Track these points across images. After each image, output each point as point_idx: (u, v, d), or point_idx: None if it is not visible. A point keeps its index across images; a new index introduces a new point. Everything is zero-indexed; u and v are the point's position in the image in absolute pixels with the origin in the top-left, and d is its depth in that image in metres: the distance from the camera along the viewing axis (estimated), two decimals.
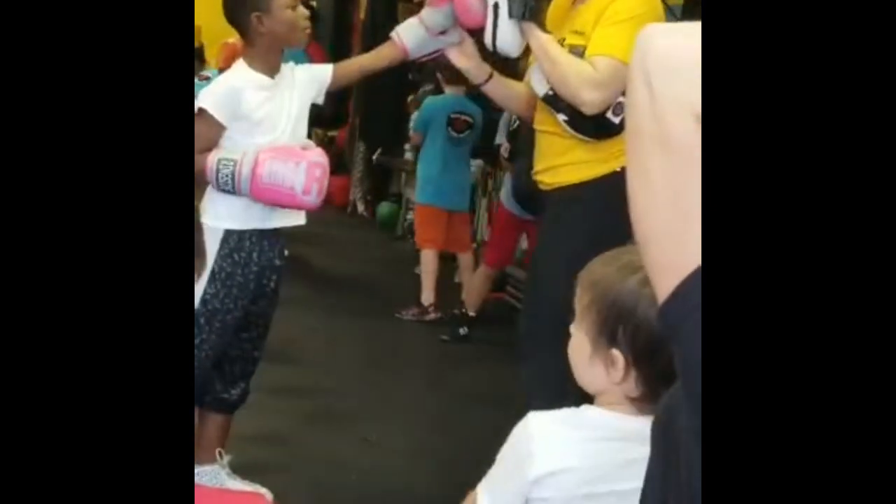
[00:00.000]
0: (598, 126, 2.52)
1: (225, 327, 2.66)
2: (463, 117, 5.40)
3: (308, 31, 2.75)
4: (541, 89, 2.58)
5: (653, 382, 1.31)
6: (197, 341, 2.61)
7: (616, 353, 1.34)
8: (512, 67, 3.53)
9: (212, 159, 2.55)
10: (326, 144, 8.98)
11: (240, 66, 2.67)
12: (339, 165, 8.83)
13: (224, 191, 2.55)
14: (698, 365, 0.76)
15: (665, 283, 0.78)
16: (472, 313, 5.09)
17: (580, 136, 2.56)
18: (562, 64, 2.49)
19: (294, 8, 2.65)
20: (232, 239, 2.65)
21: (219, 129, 2.58)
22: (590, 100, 2.45)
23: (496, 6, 2.52)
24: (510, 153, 5.14)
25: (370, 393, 4.13)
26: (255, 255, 2.68)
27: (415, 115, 6.05)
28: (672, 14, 6.12)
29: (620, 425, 1.36)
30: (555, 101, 2.55)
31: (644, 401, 1.35)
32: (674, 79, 0.77)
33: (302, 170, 2.54)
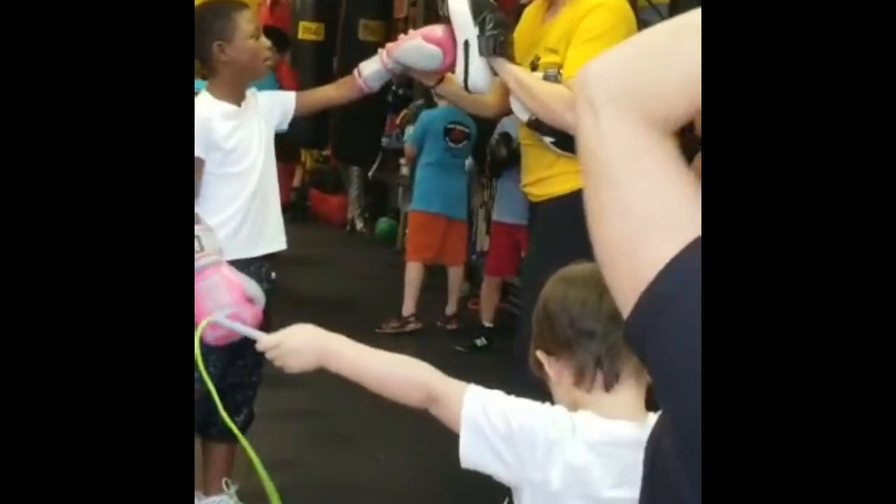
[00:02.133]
0: None
1: (221, 357, 2.64)
2: (459, 128, 5.44)
3: (269, 62, 2.74)
4: (523, 115, 2.57)
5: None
6: (196, 375, 2.58)
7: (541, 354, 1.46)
8: None
9: None
10: (322, 164, 9.00)
11: (204, 96, 2.64)
12: (335, 185, 8.83)
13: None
14: (667, 377, 0.75)
15: (627, 300, 0.79)
16: (487, 324, 5.16)
17: (568, 154, 2.55)
18: (540, 92, 2.48)
19: (257, 38, 2.64)
20: None
21: (199, 162, 2.56)
22: (575, 121, 2.42)
23: (466, 45, 2.52)
24: (489, 168, 5.15)
25: (377, 411, 4.09)
26: None
27: (409, 130, 6.07)
28: (658, 13, 6.12)
29: (614, 430, 1.39)
30: (539, 126, 2.55)
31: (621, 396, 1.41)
32: (619, 96, 0.80)
33: (228, 312, 2.34)
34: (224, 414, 1.81)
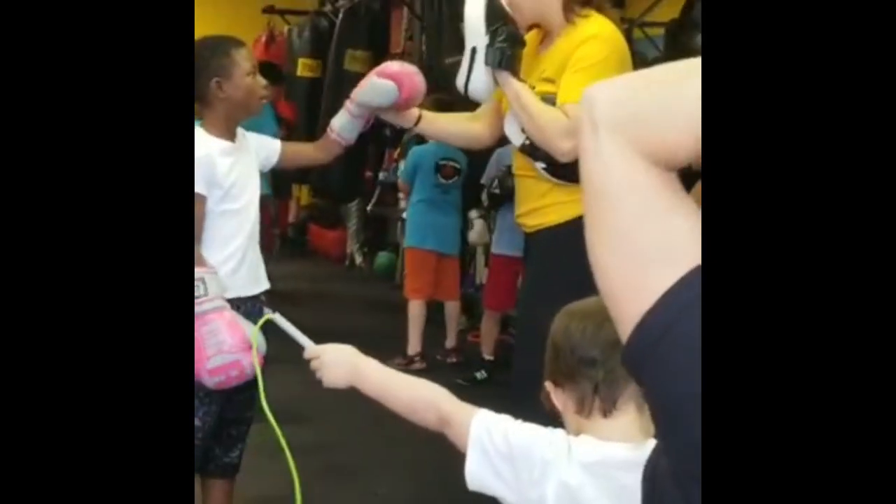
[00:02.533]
0: (576, 171, 2.51)
1: (222, 394, 2.63)
2: (451, 164, 5.44)
3: (265, 100, 2.75)
4: (517, 139, 2.58)
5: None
6: (200, 413, 2.58)
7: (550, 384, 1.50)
8: None
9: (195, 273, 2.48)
10: (319, 199, 9.03)
11: (199, 133, 2.62)
12: (334, 219, 8.85)
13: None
14: (664, 403, 0.75)
15: (626, 326, 0.78)
16: (487, 357, 5.16)
17: (560, 182, 2.55)
18: (537, 113, 2.49)
19: (254, 75, 2.66)
20: None
21: (201, 200, 2.54)
22: (566, 148, 2.43)
23: (474, 51, 2.53)
24: (494, 200, 5.17)
25: (377, 446, 4.09)
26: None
27: (402, 165, 6.08)
28: (654, 45, 6.17)
29: (609, 451, 1.42)
30: (532, 151, 2.55)
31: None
32: (622, 124, 0.79)
33: (230, 359, 2.44)
34: (264, 400, 1.84)
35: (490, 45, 2.50)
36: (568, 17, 2.59)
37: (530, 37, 2.79)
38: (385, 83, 2.65)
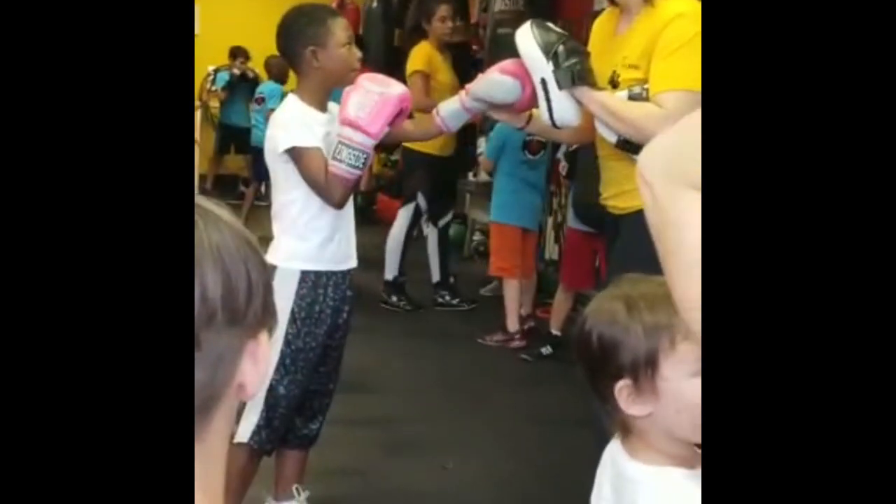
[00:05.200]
0: None
1: (308, 364, 2.65)
2: (537, 138, 5.33)
3: (357, 71, 2.73)
4: (611, 137, 2.50)
5: None
6: (285, 382, 2.59)
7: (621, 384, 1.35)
8: None
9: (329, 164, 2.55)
10: (389, 168, 9.01)
11: (293, 100, 2.65)
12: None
13: (349, 164, 2.53)
14: None
15: None
16: (556, 332, 5.07)
17: None
18: (628, 115, 2.42)
19: (349, 47, 2.64)
20: (309, 278, 2.63)
21: (321, 153, 2.56)
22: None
23: (543, 82, 2.47)
24: (568, 171, 5.12)
25: (448, 420, 4.08)
26: (329, 290, 2.67)
27: (483, 141, 5.98)
28: None
29: None
30: (628, 145, 2.47)
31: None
32: (665, 167, 0.91)
33: (373, 100, 2.53)
34: None
35: (557, 69, 2.44)
36: None
37: (606, 18, 2.70)
38: (509, 80, 2.57)
